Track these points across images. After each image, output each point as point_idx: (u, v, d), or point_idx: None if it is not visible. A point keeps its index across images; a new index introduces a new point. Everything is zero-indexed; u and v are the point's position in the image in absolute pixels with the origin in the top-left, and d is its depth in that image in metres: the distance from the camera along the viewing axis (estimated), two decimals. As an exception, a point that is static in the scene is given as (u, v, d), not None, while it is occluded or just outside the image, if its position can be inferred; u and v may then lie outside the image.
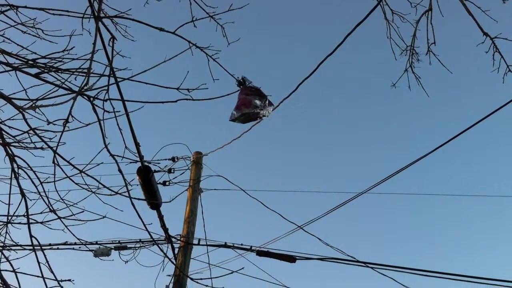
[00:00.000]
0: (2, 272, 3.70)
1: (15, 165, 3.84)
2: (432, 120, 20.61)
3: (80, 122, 3.55)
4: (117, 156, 3.84)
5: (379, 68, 18.66)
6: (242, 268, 6.78)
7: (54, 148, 3.60)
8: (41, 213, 4.15)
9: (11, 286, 3.75)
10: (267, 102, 6.89)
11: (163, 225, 7.23)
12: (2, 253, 4.03)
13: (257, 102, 6.79)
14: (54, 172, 3.77)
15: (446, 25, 5.89)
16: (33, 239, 3.83)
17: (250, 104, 6.85)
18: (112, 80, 3.51)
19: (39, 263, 3.92)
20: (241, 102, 6.90)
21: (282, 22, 19.94)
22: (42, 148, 3.88)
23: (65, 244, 7.35)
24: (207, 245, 7.62)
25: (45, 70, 3.68)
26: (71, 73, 3.71)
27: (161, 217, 7.12)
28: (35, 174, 3.97)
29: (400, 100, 20.81)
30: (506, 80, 5.47)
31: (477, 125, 5.44)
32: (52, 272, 3.95)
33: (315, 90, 18.57)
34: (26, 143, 3.89)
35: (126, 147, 3.99)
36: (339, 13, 19.23)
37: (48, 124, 3.60)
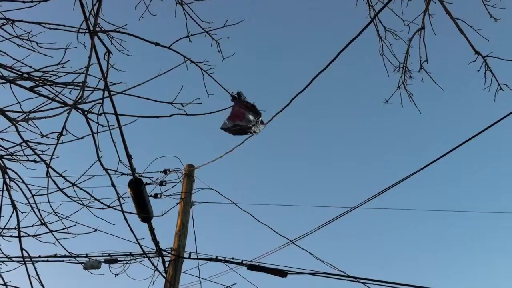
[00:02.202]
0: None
1: (6, 178, 3.84)
2: (423, 137, 20.72)
3: (74, 136, 3.55)
4: (110, 170, 3.84)
5: (372, 85, 18.75)
6: (235, 284, 6.80)
7: (47, 161, 3.60)
8: (32, 226, 4.13)
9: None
10: (260, 119, 6.91)
11: (153, 238, 7.19)
12: (-7, 266, 4.01)
13: (251, 117, 6.80)
14: (47, 185, 3.76)
15: (439, 43, 5.94)
16: (23, 252, 3.82)
17: (243, 118, 6.86)
18: (106, 93, 3.51)
19: (29, 276, 3.90)
20: (235, 113, 6.90)
21: (276, 37, 20.04)
22: (34, 161, 3.87)
23: (55, 256, 7.30)
24: (198, 258, 7.58)
25: (40, 83, 3.68)
26: (65, 86, 3.72)
27: (152, 230, 7.08)
28: (27, 186, 3.96)
29: (392, 116, 20.90)
30: (498, 98, 5.53)
31: (469, 141, 5.47)
32: (42, 285, 3.93)
33: (308, 105, 18.60)
34: (18, 155, 3.89)
35: (120, 160, 4.00)
36: (333, 29, 19.37)
37: (41, 137, 3.60)
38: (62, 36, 3.91)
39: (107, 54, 3.45)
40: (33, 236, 4.11)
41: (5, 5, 3.90)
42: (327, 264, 7.23)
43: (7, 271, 4.26)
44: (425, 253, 19.98)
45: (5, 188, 3.86)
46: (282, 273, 7.27)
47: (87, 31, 3.38)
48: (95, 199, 4.11)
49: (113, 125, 3.62)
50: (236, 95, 6.58)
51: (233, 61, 4.72)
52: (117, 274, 7.61)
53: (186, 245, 7.83)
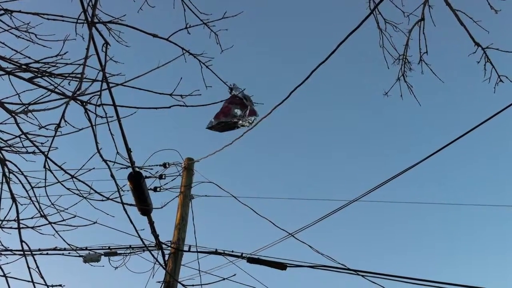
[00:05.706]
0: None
1: (6, 170, 3.83)
2: (423, 129, 20.72)
3: (73, 126, 3.54)
4: (109, 161, 3.84)
5: (371, 77, 18.75)
6: (234, 275, 6.81)
7: (46, 153, 3.59)
8: (31, 218, 4.13)
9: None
10: (247, 112, 6.88)
11: (153, 231, 7.20)
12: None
13: (237, 111, 6.78)
14: (45, 177, 3.76)
15: (438, 35, 5.93)
16: (23, 244, 3.82)
17: (229, 113, 6.86)
18: (104, 85, 3.50)
19: (29, 268, 3.90)
20: (221, 110, 6.92)
21: (276, 30, 20.01)
22: (33, 152, 3.87)
23: (54, 249, 7.31)
24: (197, 251, 7.59)
25: (38, 75, 3.67)
26: (64, 78, 3.70)
27: (151, 223, 7.09)
28: (26, 178, 3.96)
29: (392, 109, 20.89)
30: (497, 90, 5.52)
31: (469, 133, 5.46)
32: (42, 277, 3.93)
33: (308, 97, 18.62)
34: (17, 147, 3.88)
35: (117, 152, 3.99)
36: (333, 21, 19.31)
37: (40, 129, 3.60)
38: (60, 28, 3.90)
39: (105, 45, 3.44)
40: (32, 228, 4.12)
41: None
42: (326, 257, 7.24)
43: (7, 263, 4.27)
44: (424, 246, 20.03)
45: (4, 180, 3.86)
46: (281, 266, 7.28)
47: (85, 22, 3.36)
48: (95, 191, 4.11)
49: (112, 116, 3.61)
50: (231, 87, 6.56)
51: (232, 53, 4.70)
52: (117, 267, 7.64)
53: (185, 238, 7.85)
